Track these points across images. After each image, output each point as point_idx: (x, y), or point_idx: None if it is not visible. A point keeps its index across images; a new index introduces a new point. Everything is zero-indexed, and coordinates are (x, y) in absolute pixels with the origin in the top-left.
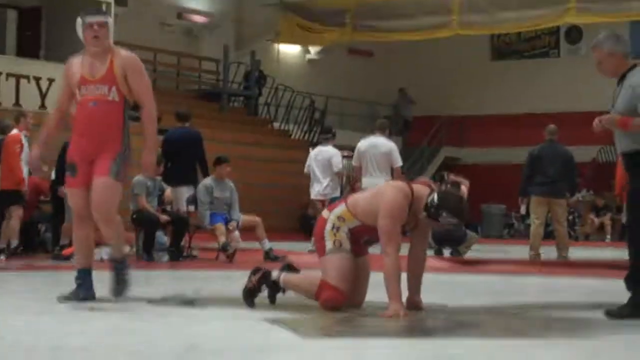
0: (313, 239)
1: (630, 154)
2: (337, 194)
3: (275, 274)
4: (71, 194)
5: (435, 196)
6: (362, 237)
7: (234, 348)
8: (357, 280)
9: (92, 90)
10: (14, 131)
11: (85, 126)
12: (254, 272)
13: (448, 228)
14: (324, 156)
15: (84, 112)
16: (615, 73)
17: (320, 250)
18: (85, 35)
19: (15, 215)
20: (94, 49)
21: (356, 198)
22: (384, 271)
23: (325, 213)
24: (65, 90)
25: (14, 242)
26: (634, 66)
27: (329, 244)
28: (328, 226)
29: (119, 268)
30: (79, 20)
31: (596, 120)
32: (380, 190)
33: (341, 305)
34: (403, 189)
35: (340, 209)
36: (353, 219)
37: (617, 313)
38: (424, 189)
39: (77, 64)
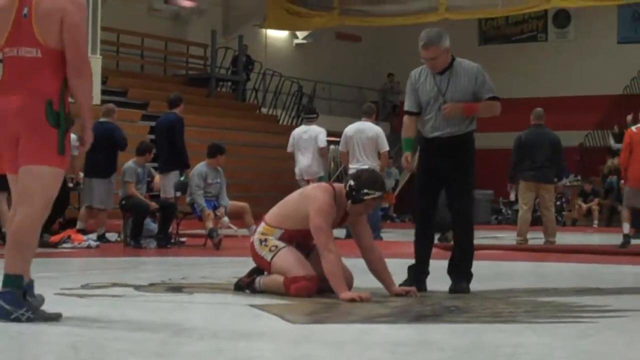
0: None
1: (466, 134)
2: (323, 173)
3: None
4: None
5: (351, 181)
6: (291, 242)
7: (222, 334)
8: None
9: None
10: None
11: None
12: (249, 274)
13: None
14: (310, 135)
15: None
16: (443, 66)
17: (264, 264)
18: None
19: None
20: None
21: (272, 211)
22: (330, 267)
23: (251, 238)
24: None
25: None
26: (454, 58)
27: (266, 255)
28: (256, 245)
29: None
30: None
31: (445, 111)
32: (305, 194)
33: (313, 289)
34: (326, 188)
35: (260, 227)
36: (274, 230)
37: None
38: (342, 185)
39: None
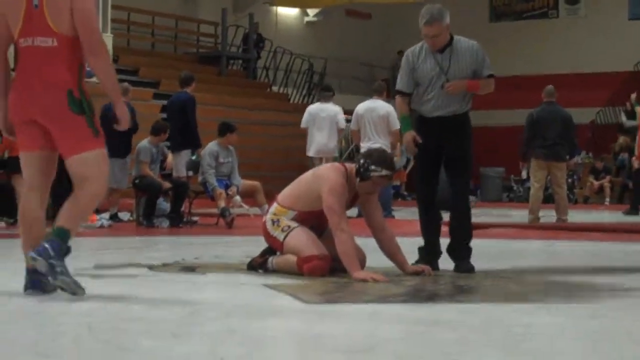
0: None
1: (465, 113)
2: (337, 153)
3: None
4: None
5: (361, 159)
6: (304, 224)
7: (236, 314)
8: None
9: None
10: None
11: None
12: (262, 254)
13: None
14: (328, 113)
15: None
16: (443, 44)
17: (276, 244)
18: None
19: None
20: None
21: (284, 192)
22: (343, 247)
23: (264, 218)
24: None
25: None
26: (452, 36)
27: (279, 235)
28: (268, 225)
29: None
30: None
31: (449, 88)
32: (318, 174)
33: (326, 268)
34: (338, 168)
35: (272, 208)
36: (287, 211)
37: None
38: (354, 166)
39: None
